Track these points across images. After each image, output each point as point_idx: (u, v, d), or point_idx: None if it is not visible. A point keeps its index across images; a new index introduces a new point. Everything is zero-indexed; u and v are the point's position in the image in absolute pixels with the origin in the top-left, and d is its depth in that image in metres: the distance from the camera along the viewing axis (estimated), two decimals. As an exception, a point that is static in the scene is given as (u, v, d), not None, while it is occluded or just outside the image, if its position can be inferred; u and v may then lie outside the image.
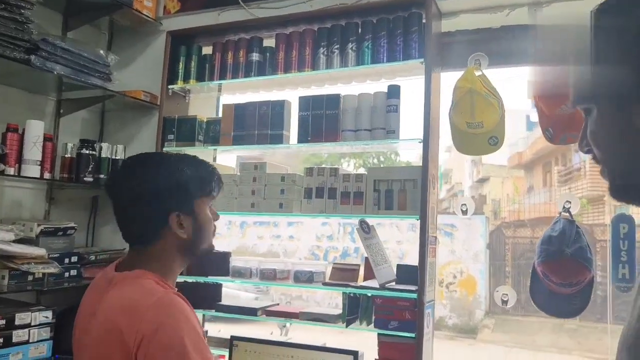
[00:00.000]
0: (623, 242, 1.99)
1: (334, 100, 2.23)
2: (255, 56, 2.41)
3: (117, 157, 2.61)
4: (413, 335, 1.94)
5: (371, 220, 2.20)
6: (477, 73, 2.08)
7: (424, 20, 2.11)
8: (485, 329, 9.86)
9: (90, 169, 2.47)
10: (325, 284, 2.24)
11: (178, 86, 2.57)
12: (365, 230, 2.15)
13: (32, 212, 2.57)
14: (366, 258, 2.15)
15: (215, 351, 2.43)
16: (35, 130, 2.27)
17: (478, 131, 2.03)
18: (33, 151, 2.25)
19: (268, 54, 2.41)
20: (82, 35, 2.71)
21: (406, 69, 2.20)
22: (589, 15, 0.73)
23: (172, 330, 1.12)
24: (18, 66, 2.12)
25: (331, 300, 10.10)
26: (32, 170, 2.25)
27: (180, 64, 2.56)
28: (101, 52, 2.48)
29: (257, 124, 2.37)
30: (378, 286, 2.05)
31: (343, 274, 2.25)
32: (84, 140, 2.52)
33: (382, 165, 15.50)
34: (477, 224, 10.25)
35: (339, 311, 2.19)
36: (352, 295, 2.13)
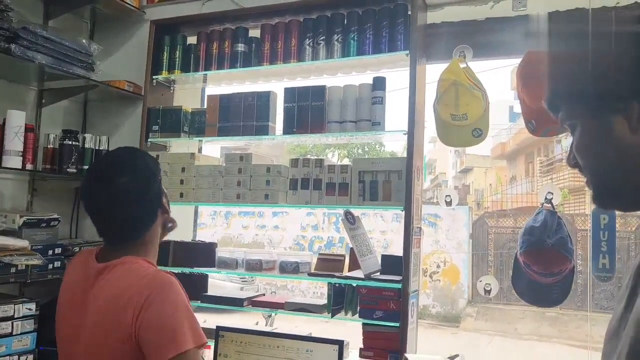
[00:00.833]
0: (603, 232, 2.03)
1: (319, 92, 2.23)
2: (240, 47, 2.40)
3: (100, 148, 2.58)
4: (397, 324, 1.97)
5: (356, 211, 2.22)
6: (462, 65, 2.10)
7: (409, 12, 2.11)
8: (468, 317, 10.00)
9: (73, 160, 2.45)
10: (310, 274, 2.25)
11: (162, 76, 2.54)
12: (351, 221, 2.17)
13: (14, 203, 2.54)
14: (351, 248, 2.17)
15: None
16: (17, 120, 2.23)
17: (462, 123, 2.05)
18: (14, 142, 2.22)
19: (254, 45, 2.40)
20: (64, 24, 2.66)
21: (391, 60, 2.21)
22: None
23: (164, 301, 1.23)
24: (-2, 55, 2.09)
25: (316, 290, 10.17)
26: (13, 161, 2.22)
27: (165, 54, 2.53)
28: (84, 41, 2.45)
29: (243, 115, 2.36)
30: (363, 276, 2.06)
31: (328, 265, 2.27)
32: (67, 130, 2.49)
33: (367, 156, 15.52)
34: (461, 214, 10.36)
35: (324, 301, 2.20)
36: (337, 285, 2.15)
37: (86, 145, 2.54)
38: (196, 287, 2.40)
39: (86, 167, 2.49)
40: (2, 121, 2.21)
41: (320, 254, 2.37)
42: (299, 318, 2.28)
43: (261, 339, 1.94)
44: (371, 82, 2.17)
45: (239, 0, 2.52)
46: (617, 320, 0.74)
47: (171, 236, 2.52)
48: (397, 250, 2.09)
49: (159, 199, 1.40)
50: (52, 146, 2.44)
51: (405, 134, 2.05)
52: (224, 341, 1.98)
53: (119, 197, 1.33)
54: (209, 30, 2.49)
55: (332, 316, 2.13)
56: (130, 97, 2.65)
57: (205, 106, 2.52)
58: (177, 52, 2.52)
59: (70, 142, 2.45)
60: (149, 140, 2.49)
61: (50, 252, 2.36)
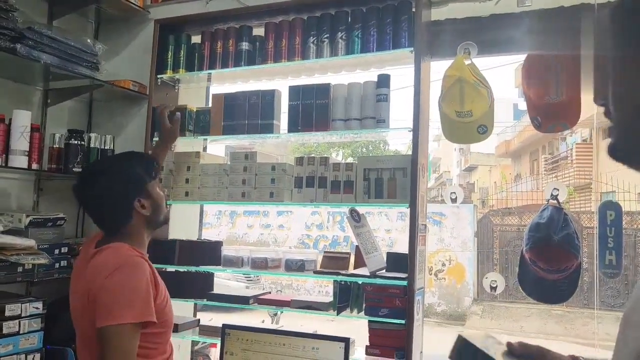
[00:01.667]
0: (610, 229, 2.02)
1: (324, 90, 2.23)
2: (244, 45, 2.40)
3: (105, 148, 2.59)
4: (403, 322, 1.96)
5: (361, 209, 2.21)
6: (467, 62, 2.10)
7: (413, 9, 2.10)
8: (473, 315, 9.98)
9: (78, 160, 2.45)
10: (316, 272, 2.25)
11: (167, 76, 2.55)
12: (356, 219, 2.17)
13: (20, 203, 2.55)
14: (357, 246, 2.17)
15: (207, 339, 2.44)
16: (22, 120, 2.24)
17: (467, 120, 2.04)
18: (20, 141, 2.23)
19: (258, 43, 2.40)
20: (68, 24, 2.67)
21: (396, 58, 2.20)
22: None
23: (122, 277, 1.45)
24: (3, 55, 2.09)
25: (322, 288, 10.17)
26: (19, 160, 2.23)
27: (169, 53, 2.53)
28: (88, 41, 2.46)
29: (247, 114, 2.36)
30: (368, 274, 2.06)
31: (334, 263, 2.26)
32: (72, 130, 2.50)
33: (370, 155, 15.52)
34: (465, 212, 10.34)
35: (329, 299, 2.20)
36: (342, 283, 2.15)
37: (91, 145, 2.55)
38: (202, 286, 2.41)
39: (92, 166, 2.49)
40: (8, 121, 2.22)
41: (325, 252, 2.37)
42: (304, 316, 2.29)
43: (267, 336, 1.94)
44: (376, 79, 2.16)
45: (243, -2, 2.52)
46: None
47: (177, 235, 2.55)
48: (402, 249, 2.08)
49: (129, 201, 1.61)
50: (57, 146, 2.45)
51: (410, 131, 2.04)
52: (230, 339, 1.98)
53: (94, 201, 1.62)
54: (213, 29, 2.49)
55: (338, 314, 2.13)
56: (136, 96, 2.65)
57: (210, 105, 2.52)
58: (182, 52, 2.53)
59: (75, 142, 2.46)
60: (154, 139, 2.49)
61: (57, 251, 2.37)
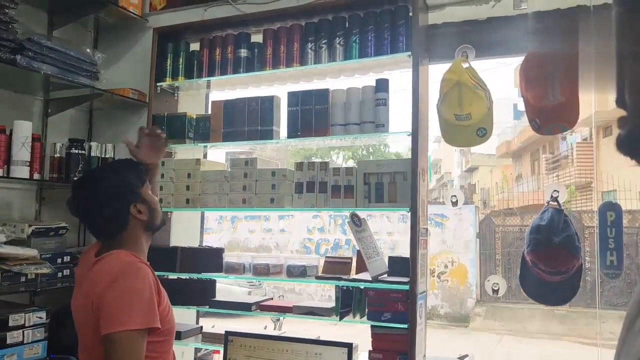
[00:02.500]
0: (610, 229, 2.02)
1: (322, 95, 2.24)
2: (243, 52, 2.41)
3: (106, 156, 2.60)
4: (406, 326, 1.96)
5: (362, 213, 2.22)
6: (465, 65, 2.10)
7: (410, 14, 2.11)
8: (476, 317, 9.96)
9: (80, 169, 2.46)
10: (318, 277, 2.25)
11: (166, 83, 2.56)
12: (357, 223, 2.17)
13: (22, 213, 2.55)
14: (358, 251, 2.17)
15: (209, 346, 2.45)
16: (23, 130, 2.26)
17: (466, 123, 2.05)
18: (22, 152, 2.24)
19: (256, 50, 2.41)
20: (68, 34, 2.69)
21: (394, 62, 2.21)
22: None
23: (125, 284, 1.45)
24: (3, 67, 2.11)
25: (324, 293, 10.15)
26: (21, 171, 2.24)
27: (168, 60, 2.55)
28: (88, 50, 2.47)
29: (247, 120, 2.37)
30: (370, 279, 2.07)
31: (336, 267, 2.27)
32: (73, 139, 2.51)
33: (371, 157, 15.51)
34: (467, 214, 10.33)
35: (332, 304, 2.21)
36: (345, 288, 2.15)
37: (92, 154, 2.56)
38: (204, 293, 2.41)
39: (93, 175, 2.50)
40: (9, 132, 2.23)
41: (327, 257, 2.37)
42: (307, 321, 2.29)
43: (270, 343, 1.94)
44: (374, 84, 2.17)
45: (241, 6, 2.53)
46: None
47: (178, 241, 2.55)
48: (404, 251, 2.08)
49: (125, 208, 1.60)
50: (58, 155, 2.46)
51: (409, 135, 2.05)
52: (233, 346, 1.99)
53: (90, 213, 1.61)
54: (212, 37, 2.50)
55: (341, 319, 2.13)
56: (135, 104, 2.66)
57: (210, 112, 2.53)
58: (181, 59, 2.54)
59: (76, 151, 2.47)
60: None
61: (59, 260, 2.37)
